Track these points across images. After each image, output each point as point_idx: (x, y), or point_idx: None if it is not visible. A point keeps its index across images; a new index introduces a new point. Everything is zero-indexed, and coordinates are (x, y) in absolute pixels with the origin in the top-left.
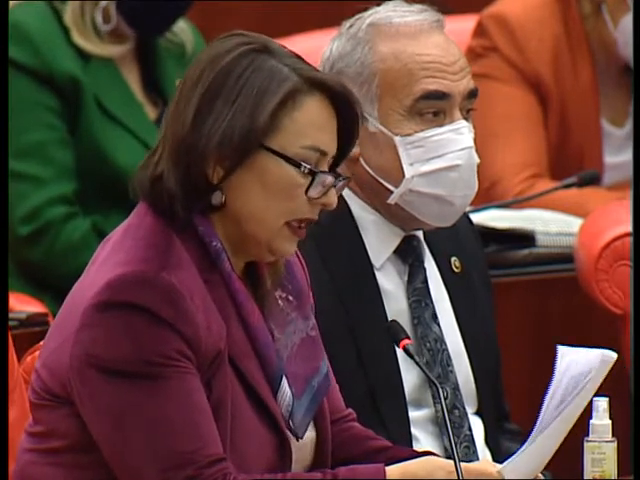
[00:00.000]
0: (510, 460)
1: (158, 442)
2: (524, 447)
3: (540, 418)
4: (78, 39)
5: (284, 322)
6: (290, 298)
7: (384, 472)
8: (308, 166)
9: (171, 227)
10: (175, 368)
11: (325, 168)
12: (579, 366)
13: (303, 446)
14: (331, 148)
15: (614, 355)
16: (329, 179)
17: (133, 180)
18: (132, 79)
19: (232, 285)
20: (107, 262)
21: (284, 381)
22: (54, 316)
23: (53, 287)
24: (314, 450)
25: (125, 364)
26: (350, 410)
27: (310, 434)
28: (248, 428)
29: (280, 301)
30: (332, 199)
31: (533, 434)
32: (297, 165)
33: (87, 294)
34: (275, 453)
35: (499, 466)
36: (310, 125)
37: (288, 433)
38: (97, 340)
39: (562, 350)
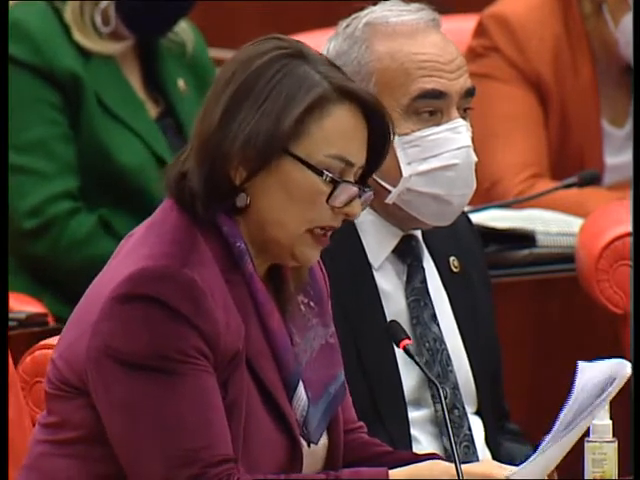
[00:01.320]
0: (517, 470)
1: (167, 438)
2: (534, 456)
3: (554, 430)
4: (78, 37)
5: (305, 327)
6: (312, 304)
7: (387, 474)
8: (330, 175)
9: (196, 225)
10: (192, 365)
11: (351, 178)
12: (598, 378)
13: (315, 452)
14: (358, 159)
15: (628, 370)
16: (353, 190)
17: (163, 177)
18: (133, 77)
19: (253, 286)
20: (130, 256)
21: (300, 386)
22: (54, 316)
23: (54, 283)
24: (325, 457)
25: (142, 357)
26: (361, 423)
27: (323, 441)
28: (261, 431)
29: (302, 306)
30: (355, 209)
31: (544, 445)
32: (319, 173)
33: (108, 287)
34: (287, 457)
35: (505, 467)
36: (337, 134)
37: (300, 438)
38: (116, 332)
39: (582, 366)
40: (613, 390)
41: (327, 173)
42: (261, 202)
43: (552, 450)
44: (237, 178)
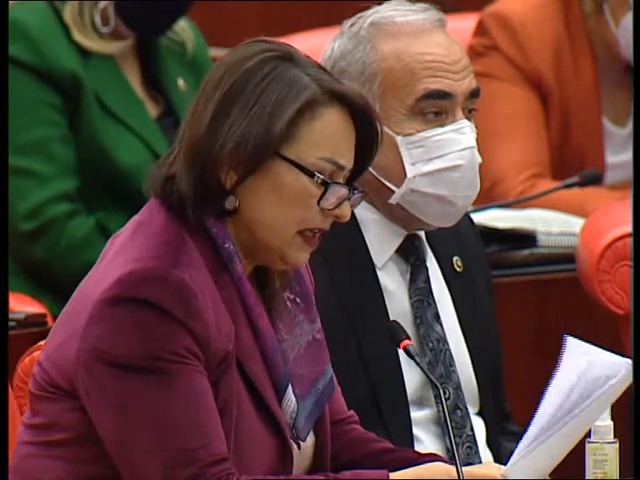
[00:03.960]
0: (514, 461)
1: (162, 438)
2: (532, 447)
3: (549, 415)
4: (78, 37)
5: (292, 324)
6: (298, 300)
7: (387, 476)
8: (321, 176)
9: (183, 226)
10: (183, 365)
11: (341, 181)
12: (602, 369)
13: (303, 450)
14: (348, 161)
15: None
16: (343, 191)
17: (147, 177)
18: (133, 76)
19: (242, 288)
20: (117, 258)
21: (290, 388)
22: (53, 316)
23: (53, 285)
24: (313, 454)
25: (133, 359)
26: (352, 412)
27: (310, 439)
28: (251, 432)
29: (288, 302)
30: (345, 212)
31: (539, 432)
32: (311, 175)
33: (96, 289)
34: (277, 458)
35: (503, 468)
36: (328, 137)
37: (290, 440)
38: (106, 334)
39: (573, 343)
40: (607, 390)
41: (318, 175)
42: (251, 205)
43: (553, 440)
44: (228, 182)
